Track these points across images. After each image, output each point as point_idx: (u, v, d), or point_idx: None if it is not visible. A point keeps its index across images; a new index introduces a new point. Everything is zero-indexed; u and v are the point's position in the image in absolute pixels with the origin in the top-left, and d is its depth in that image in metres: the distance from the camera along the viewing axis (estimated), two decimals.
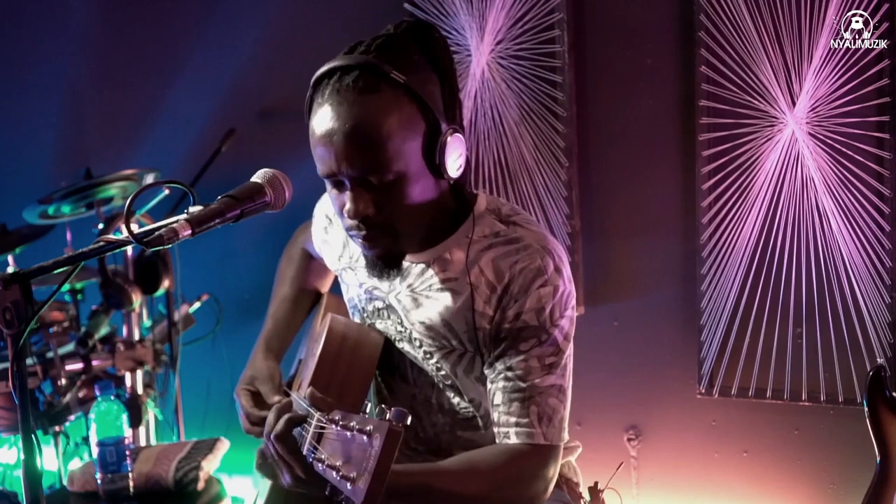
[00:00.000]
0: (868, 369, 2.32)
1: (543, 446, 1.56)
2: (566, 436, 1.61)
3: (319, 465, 1.32)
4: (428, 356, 1.67)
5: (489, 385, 1.60)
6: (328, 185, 1.54)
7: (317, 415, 1.37)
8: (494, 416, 1.59)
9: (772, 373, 2.53)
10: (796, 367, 2.50)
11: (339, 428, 1.29)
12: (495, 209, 1.63)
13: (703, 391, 2.61)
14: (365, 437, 1.21)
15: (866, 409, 2.22)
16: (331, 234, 1.82)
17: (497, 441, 1.59)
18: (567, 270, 1.59)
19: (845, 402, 2.45)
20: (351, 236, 1.57)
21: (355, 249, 1.74)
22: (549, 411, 1.56)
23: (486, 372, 1.61)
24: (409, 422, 1.20)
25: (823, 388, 2.48)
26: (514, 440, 1.56)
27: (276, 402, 1.52)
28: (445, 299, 1.60)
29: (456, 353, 1.63)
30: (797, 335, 2.50)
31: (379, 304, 1.71)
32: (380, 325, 1.73)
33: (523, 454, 1.55)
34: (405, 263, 1.62)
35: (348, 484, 1.22)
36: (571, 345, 1.61)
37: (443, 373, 1.67)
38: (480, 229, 1.60)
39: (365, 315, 1.75)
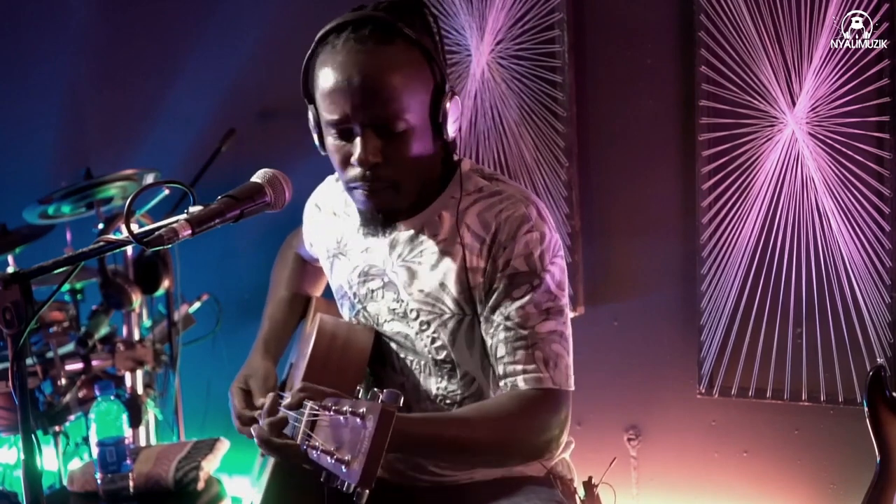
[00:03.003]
0: (868, 369, 2.32)
1: (553, 390, 1.56)
2: (572, 384, 1.61)
3: (314, 452, 1.33)
4: (424, 327, 1.67)
5: (489, 340, 1.60)
6: (333, 137, 1.56)
7: (309, 403, 1.38)
8: (500, 369, 1.59)
9: (772, 373, 2.53)
10: (796, 367, 2.50)
11: (331, 413, 1.30)
12: (478, 169, 1.67)
13: (703, 391, 2.61)
14: (358, 420, 1.22)
15: (866, 409, 2.22)
16: (320, 220, 1.83)
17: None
18: (551, 222, 1.61)
19: (845, 402, 2.45)
20: (352, 189, 1.58)
21: (345, 231, 1.75)
22: (553, 356, 1.57)
23: (483, 328, 1.61)
24: (401, 402, 1.21)
25: (823, 388, 2.48)
26: (522, 386, 1.56)
27: (261, 403, 1.54)
28: (439, 262, 1.62)
29: (454, 318, 1.64)
30: (797, 335, 2.49)
31: (374, 283, 1.71)
32: (372, 307, 1.73)
33: (535, 398, 1.55)
34: (396, 232, 1.65)
35: (343, 467, 1.23)
36: (566, 293, 1.62)
37: (438, 344, 1.67)
38: (466, 188, 1.63)
39: (356, 301, 1.75)
